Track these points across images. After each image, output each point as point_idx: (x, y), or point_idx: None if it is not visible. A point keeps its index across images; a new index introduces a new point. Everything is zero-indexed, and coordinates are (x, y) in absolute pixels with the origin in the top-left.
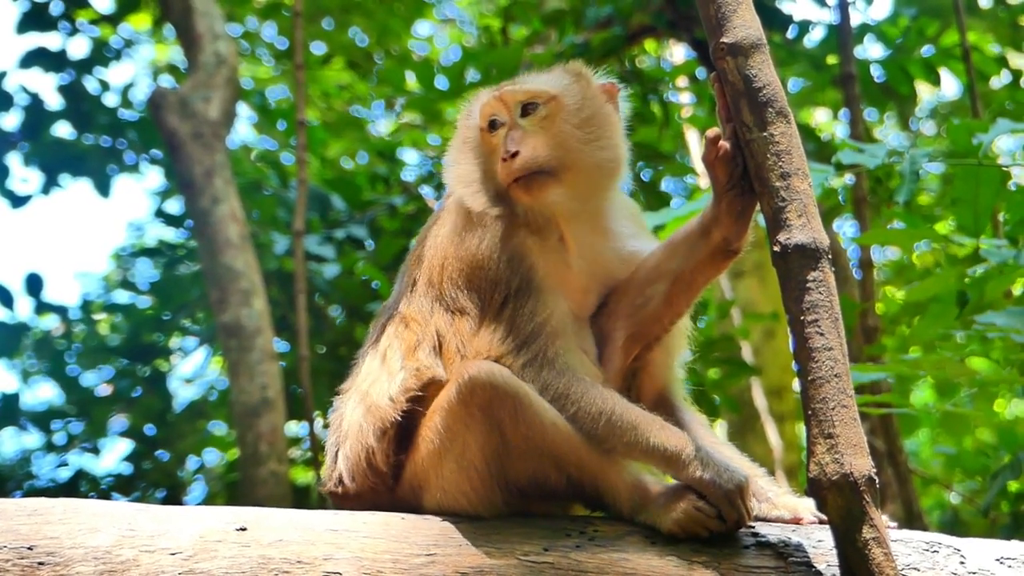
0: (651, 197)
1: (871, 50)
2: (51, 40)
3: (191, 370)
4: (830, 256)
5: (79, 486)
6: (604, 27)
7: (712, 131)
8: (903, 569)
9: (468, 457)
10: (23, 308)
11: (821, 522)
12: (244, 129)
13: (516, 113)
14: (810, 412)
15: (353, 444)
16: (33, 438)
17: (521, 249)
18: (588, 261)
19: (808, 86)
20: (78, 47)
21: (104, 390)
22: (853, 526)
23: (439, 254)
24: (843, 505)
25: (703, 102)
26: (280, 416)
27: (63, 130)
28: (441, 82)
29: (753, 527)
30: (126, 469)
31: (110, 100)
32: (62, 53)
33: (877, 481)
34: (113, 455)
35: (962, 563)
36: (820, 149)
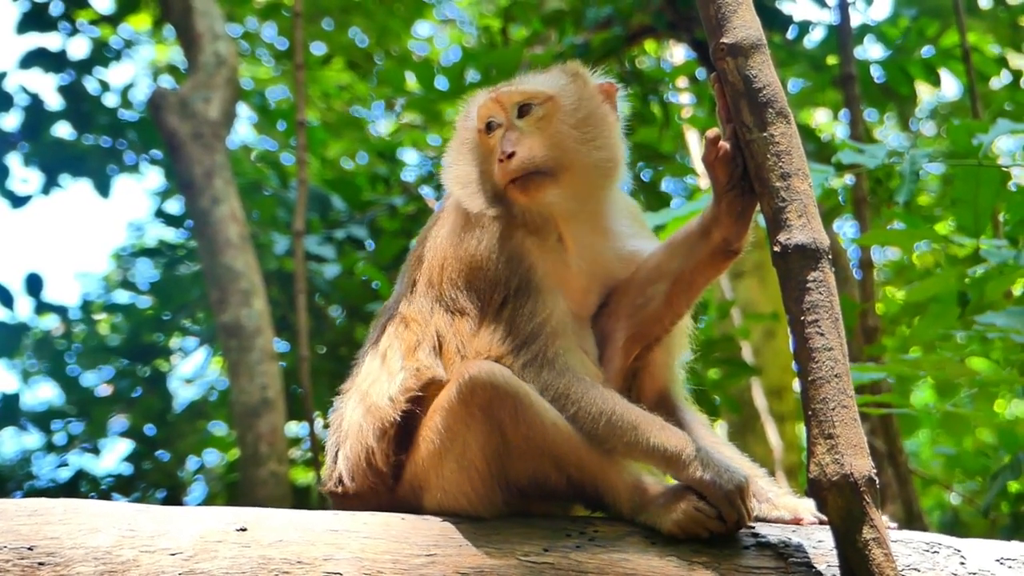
0: (651, 197)
1: (871, 51)
2: (51, 40)
3: (191, 370)
4: (830, 256)
5: (79, 486)
6: (604, 28)
7: (712, 131)
8: (903, 570)
9: (468, 457)
10: (23, 308)
11: (821, 523)
12: (244, 129)
13: (513, 114)
14: (810, 412)
15: (353, 444)
16: (33, 438)
17: (520, 249)
18: (588, 261)
19: (808, 87)
20: (78, 47)
21: (104, 390)
22: (853, 527)
23: (439, 255)
24: (843, 506)
25: (703, 103)
26: (280, 416)
27: (63, 130)
28: (441, 82)
29: (753, 527)
30: (126, 469)
31: (110, 100)
32: (62, 53)
33: (877, 482)
34: (113, 455)
35: (962, 564)
36: (820, 150)
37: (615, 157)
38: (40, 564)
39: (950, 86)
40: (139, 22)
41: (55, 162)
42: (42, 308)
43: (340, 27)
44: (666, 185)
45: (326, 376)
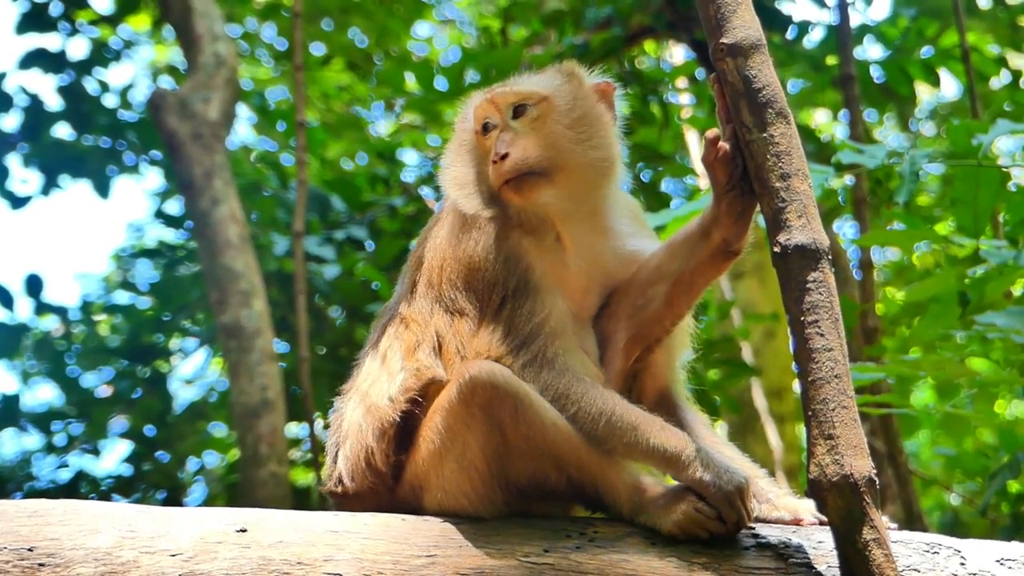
0: (651, 198)
1: (871, 51)
2: (51, 41)
3: (191, 371)
4: (830, 257)
5: (79, 487)
6: (604, 28)
7: (712, 132)
8: (903, 570)
9: (468, 457)
10: (23, 309)
11: (821, 523)
12: (244, 130)
13: (508, 115)
14: (810, 413)
15: (352, 444)
16: (33, 439)
17: (517, 250)
18: (587, 261)
19: (808, 87)
20: (78, 48)
21: (104, 391)
22: (853, 527)
23: (438, 256)
24: (843, 506)
25: (703, 103)
26: (280, 417)
27: (63, 131)
28: (441, 83)
29: (753, 528)
30: (126, 470)
31: (110, 101)
32: (62, 54)
33: (877, 482)
34: (113, 456)
35: (962, 564)
36: (820, 150)
37: (611, 156)
38: (40, 565)
39: (950, 86)
40: (138, 23)
41: (55, 163)
42: (42, 309)
43: (340, 28)
44: (666, 185)
45: (326, 377)
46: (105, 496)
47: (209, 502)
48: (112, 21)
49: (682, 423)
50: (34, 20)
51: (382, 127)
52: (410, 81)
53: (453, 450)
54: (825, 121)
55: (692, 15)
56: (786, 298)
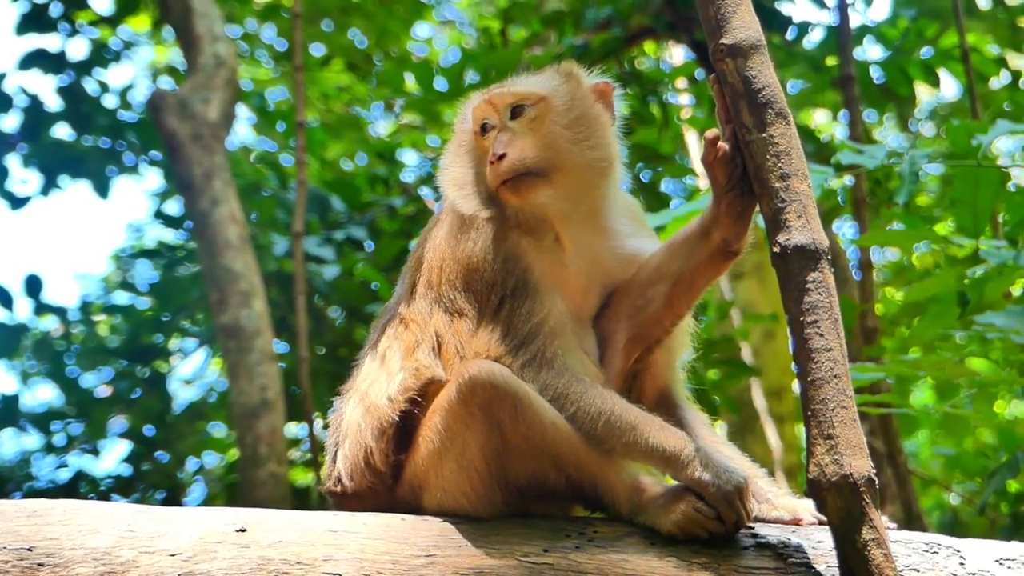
0: (651, 198)
1: (870, 51)
2: (50, 41)
3: (190, 371)
4: (829, 257)
5: (79, 487)
6: (603, 28)
7: (711, 132)
8: (903, 570)
9: (468, 457)
10: (23, 309)
11: (821, 523)
12: (243, 130)
13: (506, 116)
14: (810, 413)
15: (352, 444)
16: (33, 439)
17: (515, 250)
18: (586, 261)
19: (807, 87)
20: (77, 48)
21: (104, 391)
22: (853, 527)
23: (437, 256)
24: (843, 506)
25: (702, 103)
26: (279, 417)
27: (62, 131)
28: (440, 83)
29: (753, 528)
30: (126, 470)
31: (109, 101)
32: (61, 54)
33: (876, 482)
34: (113, 456)
35: (962, 564)
36: (819, 150)
37: (609, 156)
38: (40, 565)
39: (949, 87)
40: (138, 23)
41: (54, 163)
42: (41, 309)
43: (339, 28)
44: (665, 186)
45: (325, 377)
46: (104, 496)
47: (208, 502)
48: (112, 22)
49: (682, 423)
50: (34, 21)
51: (382, 127)
52: (410, 82)
53: (452, 450)
54: (825, 121)
55: (692, 16)
56: (785, 298)
